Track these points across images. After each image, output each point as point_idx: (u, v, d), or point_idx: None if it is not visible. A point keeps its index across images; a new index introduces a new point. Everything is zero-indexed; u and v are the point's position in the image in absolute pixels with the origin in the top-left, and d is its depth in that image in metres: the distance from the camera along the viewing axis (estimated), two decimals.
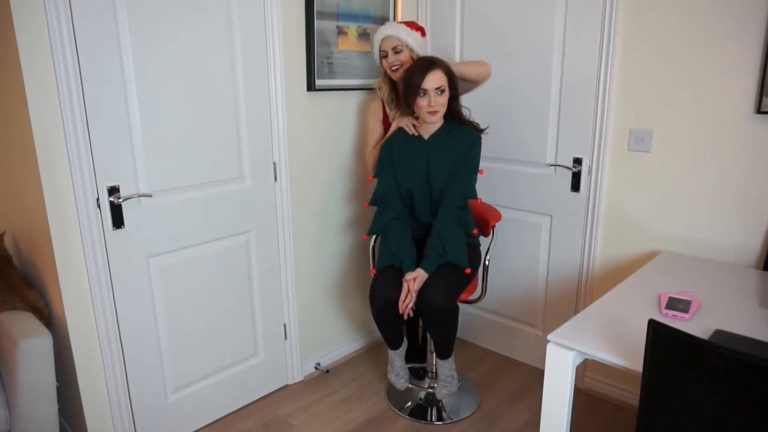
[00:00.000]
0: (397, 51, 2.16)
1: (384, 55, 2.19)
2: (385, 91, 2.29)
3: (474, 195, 2.11)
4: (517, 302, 2.73)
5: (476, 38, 2.59)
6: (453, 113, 2.11)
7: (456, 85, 2.07)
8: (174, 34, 1.90)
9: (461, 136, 2.09)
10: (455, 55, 2.68)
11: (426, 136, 2.13)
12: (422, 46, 2.20)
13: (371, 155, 2.33)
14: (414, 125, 2.15)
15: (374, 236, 2.40)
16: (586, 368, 2.50)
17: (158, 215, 1.98)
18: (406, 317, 2.02)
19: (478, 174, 2.11)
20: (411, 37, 2.16)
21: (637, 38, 2.10)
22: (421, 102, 2.01)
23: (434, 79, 1.98)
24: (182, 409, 2.19)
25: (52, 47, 1.63)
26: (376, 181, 2.20)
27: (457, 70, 2.12)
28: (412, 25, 2.20)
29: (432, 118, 2.04)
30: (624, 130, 2.20)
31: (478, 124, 2.15)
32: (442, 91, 2.01)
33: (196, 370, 2.22)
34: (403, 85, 2.05)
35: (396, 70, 2.17)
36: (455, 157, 2.07)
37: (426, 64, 2.00)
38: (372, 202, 2.20)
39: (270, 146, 2.29)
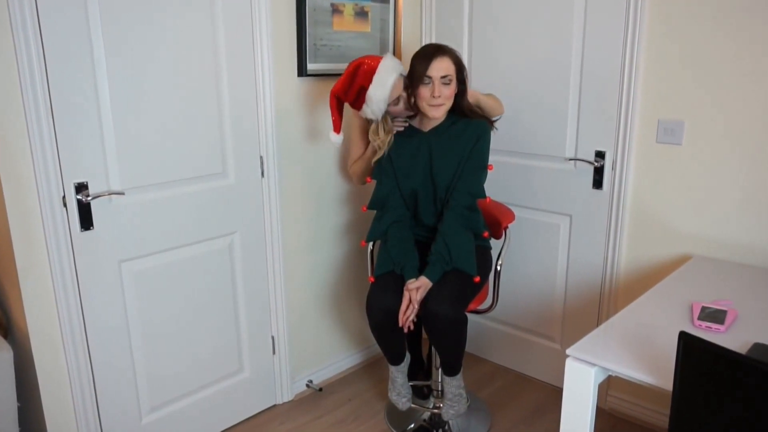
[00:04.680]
0: (407, 88, 2.07)
1: (396, 103, 2.07)
2: (387, 143, 2.13)
3: (483, 194, 2.11)
4: (533, 312, 2.73)
5: (487, 18, 2.59)
6: (459, 109, 2.10)
7: (465, 78, 2.05)
8: (149, 12, 1.90)
9: (466, 127, 2.09)
10: (463, 41, 2.68)
11: (426, 129, 2.13)
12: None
13: (353, 168, 2.32)
14: (405, 121, 2.16)
15: (373, 242, 2.40)
16: (609, 386, 2.50)
17: (131, 215, 1.98)
18: (406, 330, 2.02)
19: (487, 170, 2.11)
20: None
21: (667, 17, 2.10)
22: (424, 92, 1.99)
23: (441, 67, 1.96)
24: None
25: (12, 27, 1.63)
26: (374, 182, 2.20)
27: (474, 95, 2.12)
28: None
29: (434, 113, 2.02)
30: (652, 121, 2.20)
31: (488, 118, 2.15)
32: (449, 82, 1.99)
33: (173, 388, 2.21)
34: (408, 74, 2.04)
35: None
36: (461, 152, 2.07)
37: (431, 50, 1.99)
38: (371, 206, 2.19)
39: (256, 138, 2.29)
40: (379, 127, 2.11)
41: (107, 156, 1.89)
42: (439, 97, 1.98)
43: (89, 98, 1.82)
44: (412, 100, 2.04)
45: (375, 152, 2.17)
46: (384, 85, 2.00)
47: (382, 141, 2.11)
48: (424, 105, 2.02)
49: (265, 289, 2.44)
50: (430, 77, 1.97)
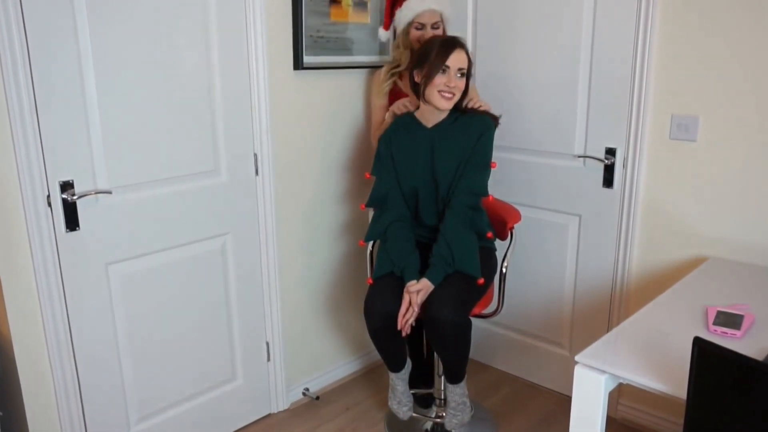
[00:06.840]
0: (435, 27, 2.28)
1: (419, 27, 2.27)
2: (404, 59, 2.35)
3: (486, 192, 2.11)
4: (540, 317, 2.73)
5: (492, 9, 2.59)
6: (462, 106, 2.11)
7: (471, 75, 2.09)
8: (137, 1, 1.90)
9: (470, 123, 2.10)
10: (467, 33, 2.68)
11: (429, 125, 2.13)
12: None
13: (376, 135, 2.34)
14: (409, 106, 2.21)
15: (372, 242, 2.40)
16: (620, 394, 2.50)
17: (119, 215, 1.98)
18: (405, 334, 2.02)
19: (491, 167, 2.11)
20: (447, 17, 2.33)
21: (682, 5, 2.10)
22: (439, 80, 2.00)
23: (459, 59, 2.01)
24: None
25: None
26: (374, 178, 2.20)
27: (475, 92, 2.25)
28: None
29: (444, 103, 2.03)
30: (665, 116, 2.20)
31: (492, 113, 2.16)
32: (462, 75, 2.03)
33: (163, 396, 2.21)
34: (418, 61, 2.05)
35: None
36: (464, 148, 2.08)
37: (452, 41, 2.03)
38: (369, 203, 2.20)
39: (250, 134, 2.29)
40: (398, 38, 2.37)
41: (94, 153, 1.89)
42: (455, 87, 2.01)
43: (75, 91, 1.81)
44: (420, 87, 2.06)
45: (393, 117, 2.25)
46: None
47: (400, 53, 2.36)
48: (434, 93, 2.02)
49: (259, 293, 2.44)
50: (448, 67, 1.99)
